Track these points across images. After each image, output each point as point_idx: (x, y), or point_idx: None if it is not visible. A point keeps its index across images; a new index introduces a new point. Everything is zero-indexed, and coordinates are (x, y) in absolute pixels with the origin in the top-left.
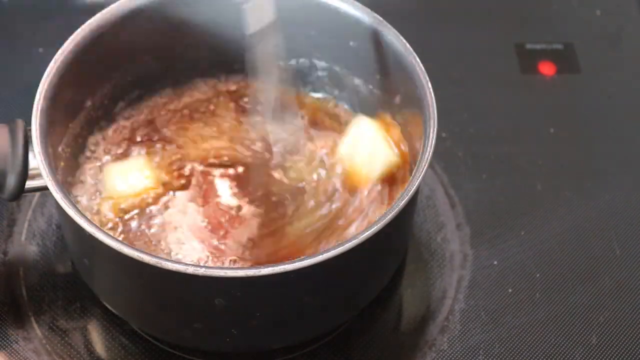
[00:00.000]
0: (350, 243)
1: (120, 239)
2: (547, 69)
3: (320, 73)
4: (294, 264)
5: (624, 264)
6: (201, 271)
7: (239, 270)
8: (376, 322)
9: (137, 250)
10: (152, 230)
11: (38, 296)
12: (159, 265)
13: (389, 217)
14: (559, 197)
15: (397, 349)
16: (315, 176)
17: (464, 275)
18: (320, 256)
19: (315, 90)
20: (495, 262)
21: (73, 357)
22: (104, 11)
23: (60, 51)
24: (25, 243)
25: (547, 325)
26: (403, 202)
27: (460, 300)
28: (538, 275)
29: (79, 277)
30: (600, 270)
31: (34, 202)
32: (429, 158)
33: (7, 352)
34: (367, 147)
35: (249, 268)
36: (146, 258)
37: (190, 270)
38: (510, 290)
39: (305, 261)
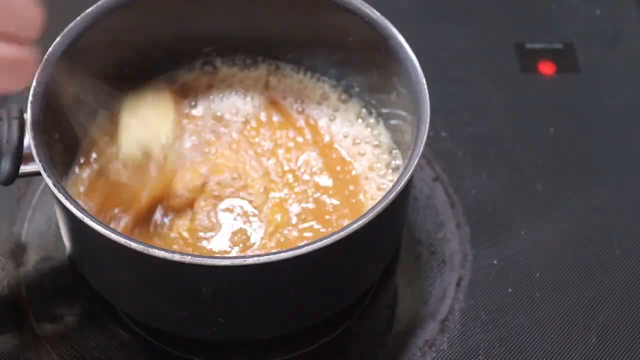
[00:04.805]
0: (337, 235)
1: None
2: (547, 68)
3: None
4: (280, 255)
5: (624, 264)
6: (187, 259)
7: (225, 259)
8: (375, 322)
9: (124, 236)
10: None
11: (38, 296)
12: (145, 252)
13: (378, 209)
14: (559, 197)
15: (396, 349)
16: None
17: (463, 274)
18: (306, 247)
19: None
20: (495, 262)
21: (73, 357)
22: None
23: (58, 38)
24: (25, 243)
25: (547, 325)
26: (393, 195)
27: (460, 299)
28: (538, 274)
29: (79, 277)
30: (600, 270)
31: (34, 202)
32: (421, 151)
33: (7, 352)
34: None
35: (234, 257)
36: (133, 245)
37: (177, 257)
38: (510, 290)
39: (291, 252)
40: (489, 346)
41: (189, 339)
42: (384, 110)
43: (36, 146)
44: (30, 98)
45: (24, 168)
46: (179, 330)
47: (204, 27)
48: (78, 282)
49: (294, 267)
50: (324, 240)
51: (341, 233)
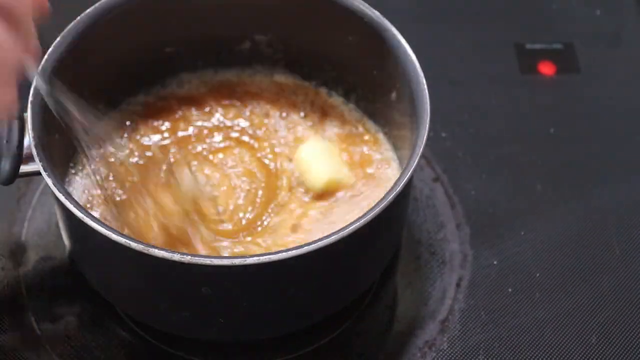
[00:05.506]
0: (337, 235)
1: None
2: (547, 68)
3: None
4: (280, 255)
5: (624, 264)
6: (187, 259)
7: (224, 259)
8: (375, 322)
9: (124, 236)
10: None
11: (38, 296)
12: (145, 252)
13: (379, 208)
14: (559, 197)
15: (397, 349)
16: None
17: (463, 275)
18: (306, 247)
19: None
20: (495, 262)
21: (73, 357)
22: None
23: (58, 38)
24: (25, 243)
25: (546, 325)
26: (392, 195)
27: (460, 300)
28: (538, 275)
29: (79, 277)
30: (600, 270)
31: (34, 201)
32: (421, 151)
33: (8, 352)
34: (323, 157)
35: (234, 257)
36: (133, 244)
37: (176, 257)
38: (510, 290)
39: (291, 252)
40: (489, 346)
41: (189, 339)
42: (384, 111)
43: (36, 146)
44: (30, 98)
45: (24, 168)
46: (179, 330)
47: (196, 32)
48: (78, 282)
49: (294, 267)
50: (324, 240)
51: (341, 233)
